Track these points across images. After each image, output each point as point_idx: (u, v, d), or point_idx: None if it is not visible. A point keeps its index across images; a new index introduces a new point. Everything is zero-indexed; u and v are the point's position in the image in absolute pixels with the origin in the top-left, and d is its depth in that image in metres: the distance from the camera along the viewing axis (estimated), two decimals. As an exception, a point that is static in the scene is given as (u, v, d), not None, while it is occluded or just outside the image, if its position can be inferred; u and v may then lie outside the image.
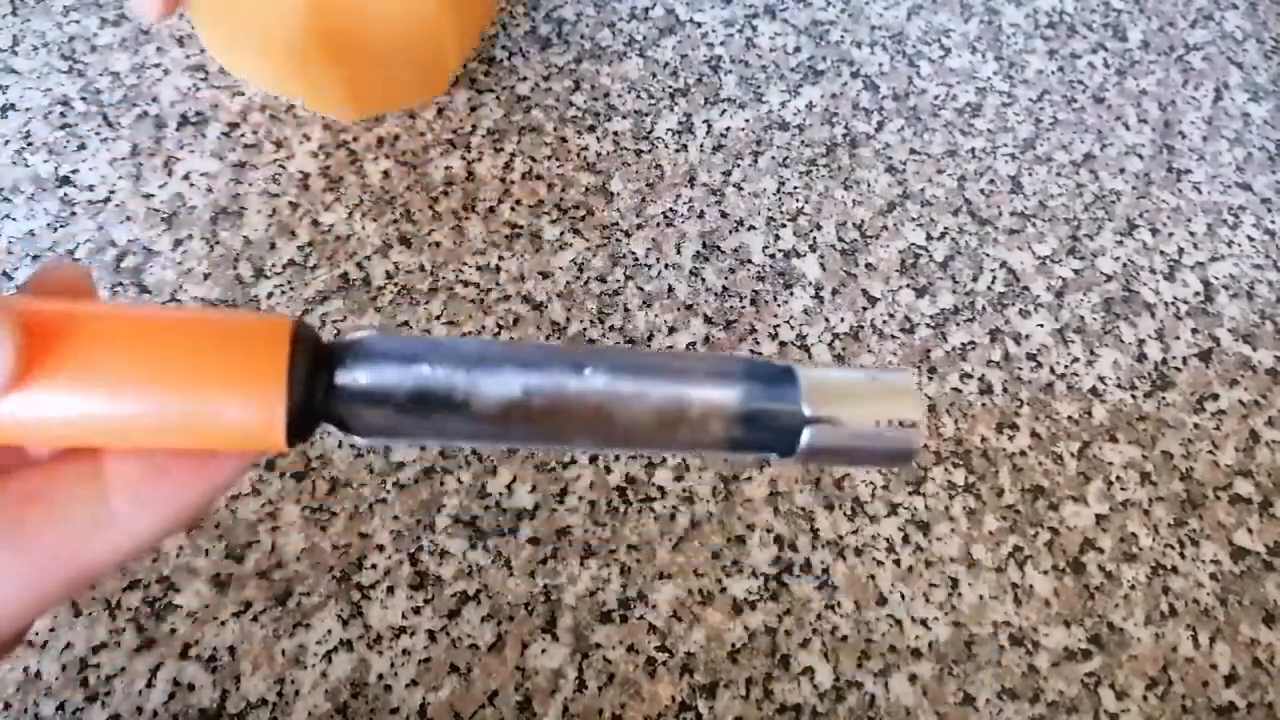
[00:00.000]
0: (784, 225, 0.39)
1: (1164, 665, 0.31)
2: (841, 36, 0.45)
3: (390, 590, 0.31)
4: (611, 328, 0.36)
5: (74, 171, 0.38)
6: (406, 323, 0.35)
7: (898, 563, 0.32)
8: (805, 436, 0.16)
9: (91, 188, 0.37)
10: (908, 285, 0.38)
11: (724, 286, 0.38)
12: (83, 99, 0.39)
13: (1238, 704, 0.31)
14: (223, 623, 0.30)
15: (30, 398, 0.14)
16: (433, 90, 0.41)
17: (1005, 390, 0.36)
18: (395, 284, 0.36)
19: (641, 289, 0.37)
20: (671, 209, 0.39)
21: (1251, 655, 0.32)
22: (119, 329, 0.15)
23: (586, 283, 0.37)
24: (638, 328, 0.36)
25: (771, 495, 0.33)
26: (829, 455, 0.17)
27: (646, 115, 0.42)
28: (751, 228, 0.39)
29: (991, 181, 0.41)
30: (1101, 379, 0.37)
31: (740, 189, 0.40)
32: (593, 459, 0.33)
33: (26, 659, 0.29)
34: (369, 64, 0.38)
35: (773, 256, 0.39)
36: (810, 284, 0.38)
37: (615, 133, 0.41)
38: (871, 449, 0.17)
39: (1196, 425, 0.36)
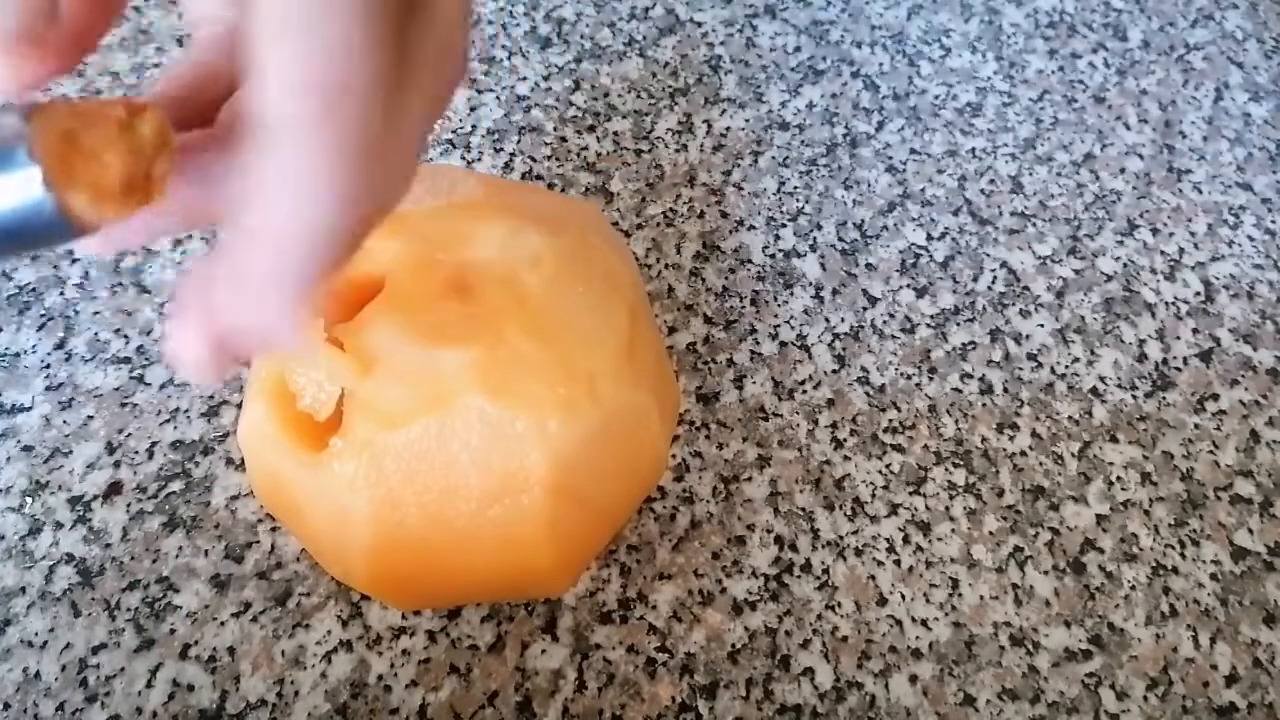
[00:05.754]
0: (784, 225, 0.39)
1: (1164, 666, 0.31)
2: (842, 36, 0.45)
3: (390, 591, 0.31)
4: (611, 328, 0.36)
5: (73, 171, 0.37)
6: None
7: (898, 563, 0.32)
8: None
9: (91, 187, 0.37)
10: (908, 285, 0.38)
11: (724, 286, 0.38)
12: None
13: (1238, 704, 0.31)
14: (222, 623, 0.30)
15: None
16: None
17: (1006, 390, 0.36)
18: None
19: (641, 289, 0.37)
20: (671, 209, 0.39)
21: (1252, 655, 0.32)
22: None
23: (586, 283, 0.37)
24: (638, 328, 0.36)
25: (772, 495, 0.33)
26: None
27: (646, 115, 0.42)
28: (751, 227, 0.39)
29: (992, 181, 0.41)
30: (1102, 379, 0.37)
31: (740, 189, 0.40)
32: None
33: (26, 659, 0.29)
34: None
35: (773, 256, 0.39)
36: (810, 284, 0.38)
37: (615, 132, 0.41)
38: None
39: (1197, 425, 0.36)
